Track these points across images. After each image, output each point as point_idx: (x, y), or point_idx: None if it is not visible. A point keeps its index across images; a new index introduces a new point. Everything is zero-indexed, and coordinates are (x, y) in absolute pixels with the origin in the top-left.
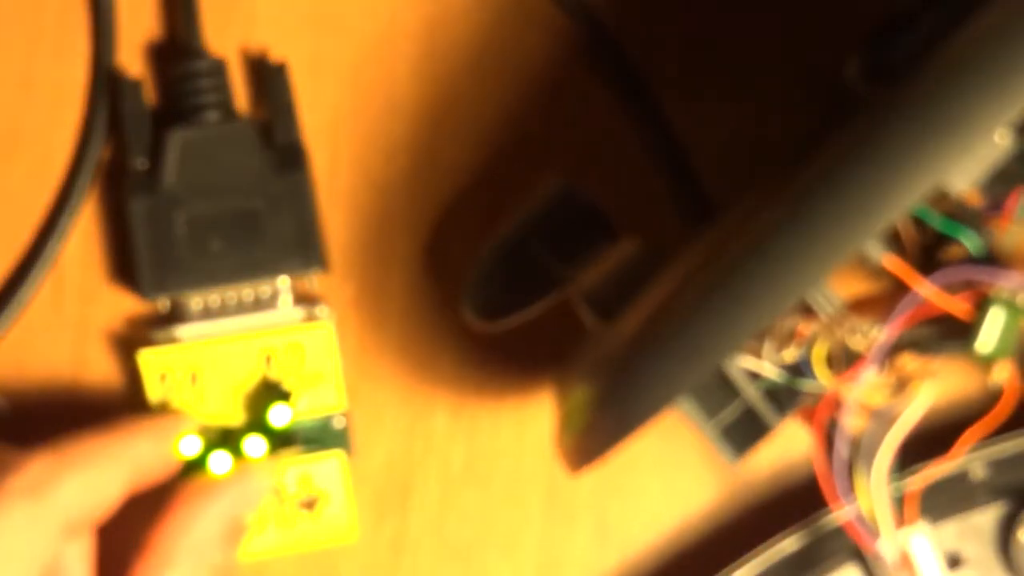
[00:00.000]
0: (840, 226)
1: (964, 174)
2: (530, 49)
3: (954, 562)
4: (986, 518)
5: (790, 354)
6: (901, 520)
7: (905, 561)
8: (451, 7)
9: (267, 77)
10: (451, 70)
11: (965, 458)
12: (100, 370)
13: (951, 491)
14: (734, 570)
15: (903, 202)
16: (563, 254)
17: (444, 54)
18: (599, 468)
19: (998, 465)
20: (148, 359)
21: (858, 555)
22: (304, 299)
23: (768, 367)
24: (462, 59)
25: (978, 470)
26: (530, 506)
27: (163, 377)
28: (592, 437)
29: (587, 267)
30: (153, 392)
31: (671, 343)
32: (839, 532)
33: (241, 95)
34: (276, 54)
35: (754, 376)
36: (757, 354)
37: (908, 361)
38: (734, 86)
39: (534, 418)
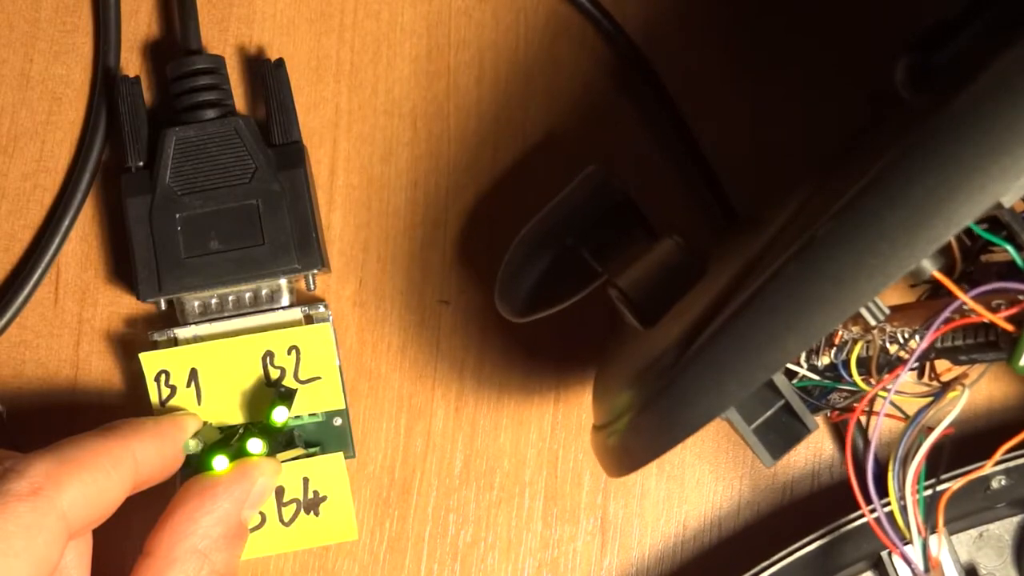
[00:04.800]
0: (900, 242)
1: (1019, 190)
2: (532, 46)
3: (971, 573)
4: (1004, 529)
5: (827, 358)
6: (931, 526)
7: (935, 568)
8: (451, 6)
9: (266, 75)
10: (452, 69)
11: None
12: (99, 370)
13: (970, 501)
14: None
15: (963, 219)
16: (598, 247)
17: (444, 53)
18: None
19: (1019, 476)
20: (149, 360)
21: (876, 564)
22: (303, 299)
23: (804, 368)
24: (463, 58)
25: (998, 480)
26: (530, 506)
27: (163, 377)
28: (639, 442)
29: (622, 263)
30: (153, 393)
31: (724, 356)
32: (854, 541)
33: (240, 94)
34: (275, 53)
35: (791, 376)
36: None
37: (946, 367)
38: (765, 91)
39: (534, 418)
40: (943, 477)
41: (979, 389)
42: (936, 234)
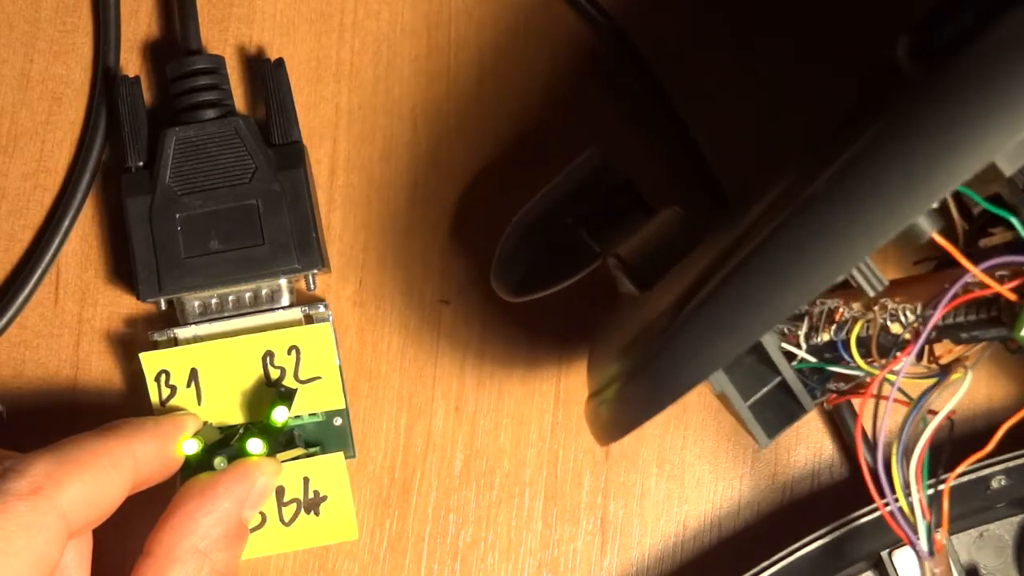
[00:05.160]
0: (898, 196)
1: (1016, 153)
2: (532, 46)
3: (971, 573)
4: (1004, 529)
5: (826, 336)
6: (937, 517)
7: (940, 551)
8: (451, 6)
9: (266, 75)
10: (452, 69)
11: (987, 468)
12: (99, 370)
13: (970, 501)
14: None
15: (960, 175)
16: (596, 228)
17: (444, 53)
18: (605, 466)
19: (1019, 476)
20: (149, 360)
21: (876, 564)
22: (303, 299)
23: (803, 350)
24: (463, 58)
25: (999, 480)
26: (530, 506)
27: (163, 377)
28: (627, 408)
29: (619, 242)
30: (153, 393)
31: (716, 313)
32: (854, 540)
33: (240, 94)
34: (275, 53)
35: (790, 358)
36: (794, 335)
37: (945, 348)
38: (759, 81)
39: (534, 418)
40: (947, 466)
41: (979, 389)
42: (934, 188)
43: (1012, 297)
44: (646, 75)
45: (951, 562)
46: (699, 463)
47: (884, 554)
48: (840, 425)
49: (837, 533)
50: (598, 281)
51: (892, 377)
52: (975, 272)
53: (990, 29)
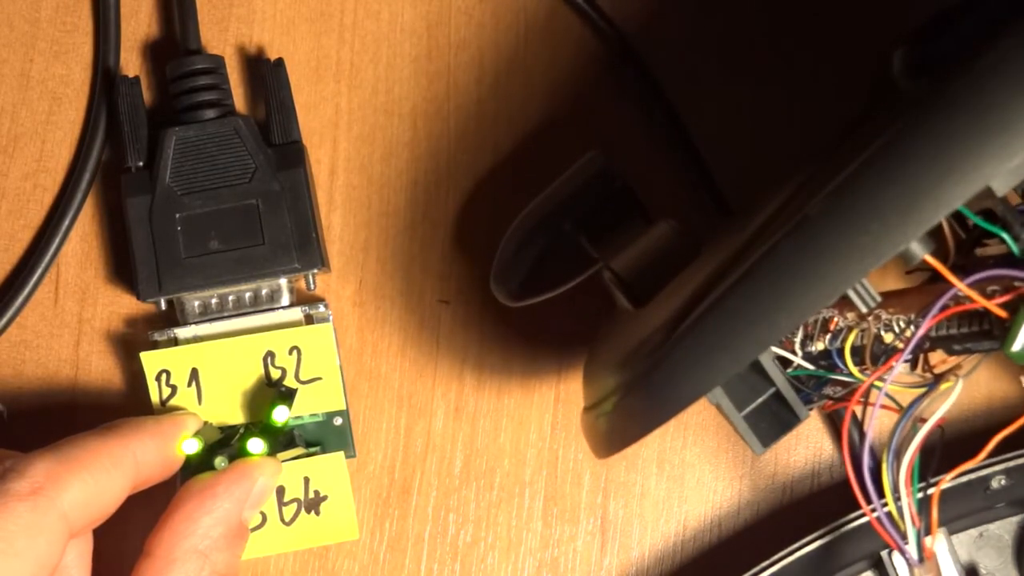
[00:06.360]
0: (890, 222)
1: (1009, 175)
2: (532, 46)
3: (971, 573)
4: (1004, 529)
5: (821, 344)
6: (927, 524)
7: (930, 558)
8: (451, 6)
9: (266, 75)
10: (452, 69)
11: (987, 468)
12: (99, 370)
13: (970, 501)
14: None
15: (953, 201)
16: (595, 234)
17: (444, 53)
18: (605, 466)
19: (1019, 476)
20: (149, 360)
21: (876, 564)
22: (304, 299)
23: (799, 357)
24: (463, 58)
25: (998, 480)
26: (530, 506)
27: (164, 377)
28: (625, 423)
29: (618, 248)
30: (154, 392)
31: (712, 334)
32: (854, 540)
33: (240, 94)
34: (275, 53)
35: (784, 365)
36: (789, 343)
37: (940, 359)
38: (760, 85)
39: (534, 418)
40: (937, 472)
41: (979, 388)
42: (927, 215)
43: (1002, 314)
44: (646, 78)
45: (952, 562)
46: (699, 463)
47: (884, 554)
48: (837, 421)
49: (837, 533)
50: (599, 282)
51: (880, 384)
52: (962, 288)
53: (983, 49)
